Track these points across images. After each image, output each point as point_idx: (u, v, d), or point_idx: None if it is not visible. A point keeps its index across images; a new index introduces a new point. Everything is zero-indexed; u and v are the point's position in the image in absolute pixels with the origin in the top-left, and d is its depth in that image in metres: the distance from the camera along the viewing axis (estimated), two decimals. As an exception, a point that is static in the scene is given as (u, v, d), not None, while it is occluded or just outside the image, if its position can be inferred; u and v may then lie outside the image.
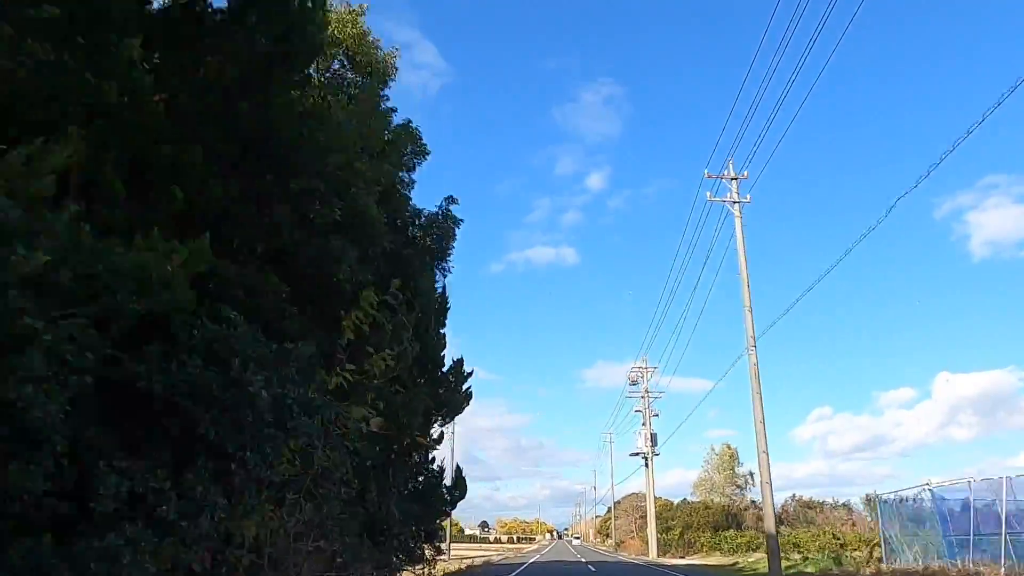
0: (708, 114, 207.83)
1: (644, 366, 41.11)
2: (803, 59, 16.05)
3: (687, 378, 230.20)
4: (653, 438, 39.27)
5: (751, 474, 55.26)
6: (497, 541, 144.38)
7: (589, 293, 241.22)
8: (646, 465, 40.30)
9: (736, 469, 54.65)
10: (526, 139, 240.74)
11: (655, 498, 47.22)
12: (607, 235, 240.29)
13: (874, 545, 23.26)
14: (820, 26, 14.95)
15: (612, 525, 68.92)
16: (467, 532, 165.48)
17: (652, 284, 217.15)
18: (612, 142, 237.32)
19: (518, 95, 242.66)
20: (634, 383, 41.82)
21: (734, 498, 53.59)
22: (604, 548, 71.17)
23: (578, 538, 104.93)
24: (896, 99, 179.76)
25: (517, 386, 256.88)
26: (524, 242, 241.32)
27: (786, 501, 56.39)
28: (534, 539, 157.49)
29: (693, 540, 43.23)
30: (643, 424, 40.28)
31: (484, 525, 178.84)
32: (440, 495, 14.32)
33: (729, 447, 54.80)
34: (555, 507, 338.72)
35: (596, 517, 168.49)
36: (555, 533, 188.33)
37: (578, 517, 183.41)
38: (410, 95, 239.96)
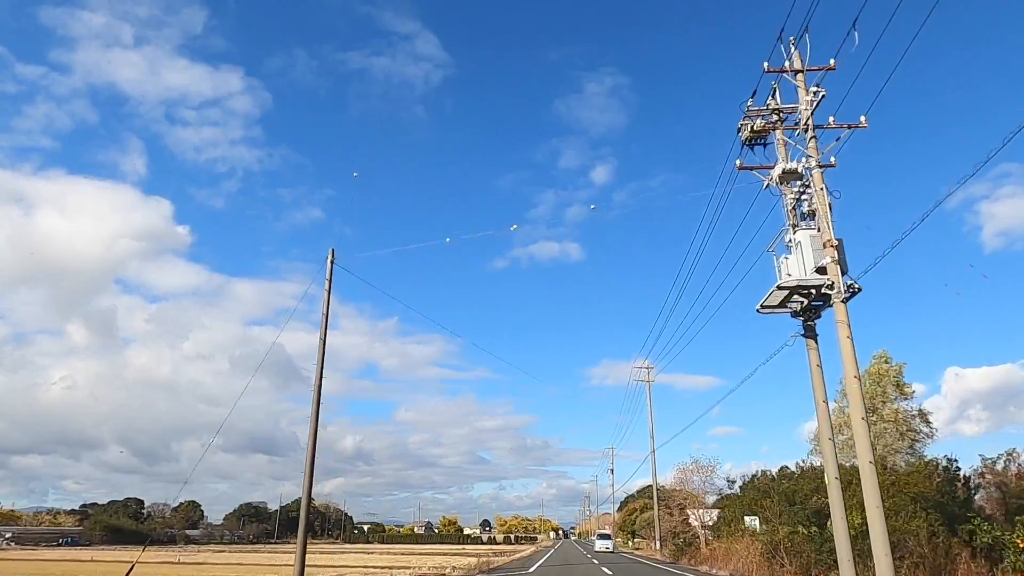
0: (716, 103, 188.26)
1: (799, 69, 14.23)
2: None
3: (691, 375, 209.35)
4: (839, 253, 12.50)
5: (923, 415, 28.11)
6: (491, 541, 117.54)
7: (594, 290, 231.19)
8: (807, 333, 13.55)
9: (900, 402, 27.51)
10: (529, 132, 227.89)
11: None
12: (612, 230, 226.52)
13: None
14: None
15: (656, 517, 41.19)
16: (467, 532, 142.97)
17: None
18: (617, 134, 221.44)
19: (521, 87, 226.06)
20: (758, 135, 15.01)
21: (902, 453, 26.52)
22: (643, 554, 42.35)
23: (607, 537, 57.59)
24: (923, 93, 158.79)
25: (522, 385, 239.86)
26: (528, 237, 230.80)
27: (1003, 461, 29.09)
28: (536, 539, 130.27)
29: (898, 542, 16.15)
30: (797, 218, 13.41)
31: (485, 524, 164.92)
32: None
33: (887, 358, 27.69)
34: (561, 506, 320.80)
35: (605, 513, 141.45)
36: (561, 532, 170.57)
37: (586, 514, 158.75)
38: (412, 87, 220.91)
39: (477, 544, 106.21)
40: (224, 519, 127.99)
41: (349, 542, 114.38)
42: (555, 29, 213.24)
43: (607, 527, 73.87)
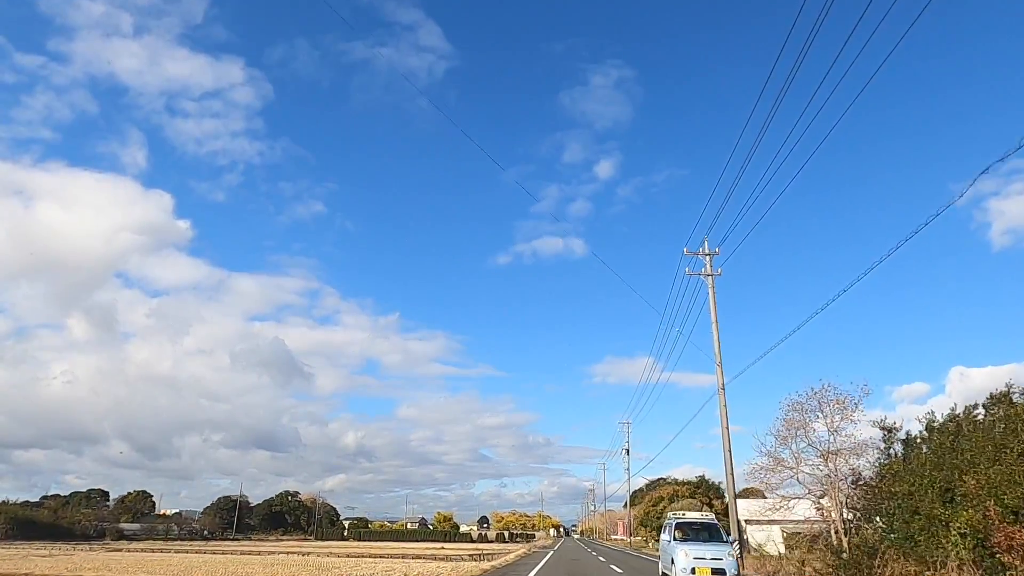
0: (722, 97, 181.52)
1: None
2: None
3: (695, 373, 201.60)
4: None
5: None
6: (482, 539, 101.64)
7: (598, 286, 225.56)
8: None
9: None
10: (533, 125, 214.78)
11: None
12: (615, 225, 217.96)
13: None
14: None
15: (732, 508, 22.77)
16: (464, 529, 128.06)
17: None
18: (622, 127, 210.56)
19: (525, 78, 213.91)
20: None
21: None
22: None
23: (715, 537, 17.13)
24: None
25: (524, 383, 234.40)
26: (531, 233, 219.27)
27: None
28: (533, 536, 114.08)
29: None
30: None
31: (483, 520, 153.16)
32: None
33: None
34: (563, 504, 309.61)
35: (610, 510, 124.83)
36: (562, 530, 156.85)
37: (590, 510, 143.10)
38: (415, 79, 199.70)
39: (464, 542, 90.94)
40: (202, 512, 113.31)
41: (322, 539, 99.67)
42: (560, 20, 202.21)
43: (602, 527, 55.51)
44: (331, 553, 45.83)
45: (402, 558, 39.43)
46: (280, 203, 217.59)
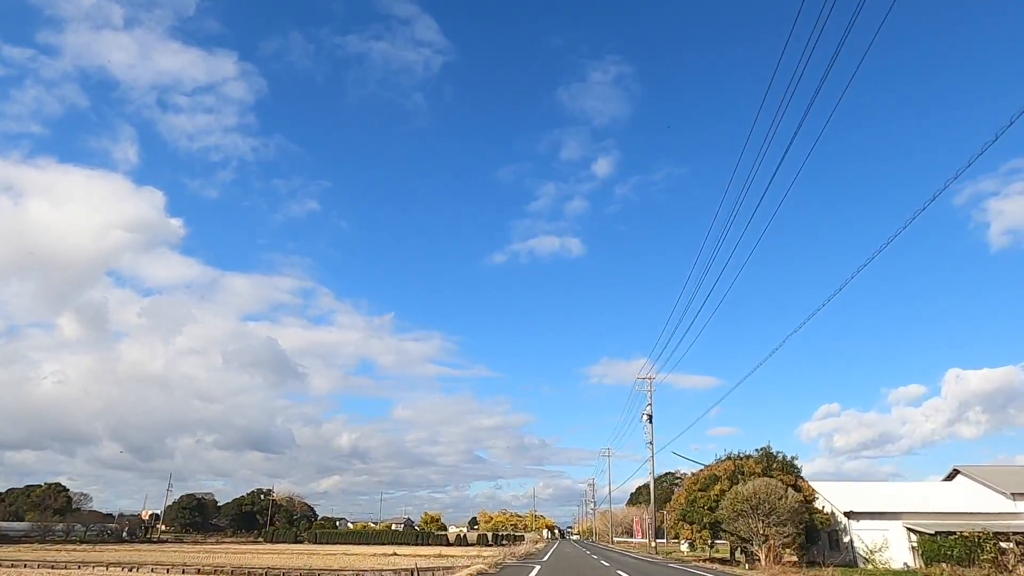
0: (722, 95, 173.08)
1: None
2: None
3: (691, 375, 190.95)
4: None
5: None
6: (461, 541, 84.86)
7: (595, 287, 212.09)
8: None
9: None
10: (530, 121, 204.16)
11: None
12: (613, 224, 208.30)
13: None
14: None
15: None
16: (453, 530, 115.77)
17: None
18: (620, 125, 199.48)
19: (523, 74, 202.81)
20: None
21: None
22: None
23: None
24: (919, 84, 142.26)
25: (520, 384, 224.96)
26: (528, 231, 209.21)
27: None
28: (522, 538, 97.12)
29: None
30: None
31: (473, 522, 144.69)
32: None
33: None
34: (558, 506, 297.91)
35: (608, 510, 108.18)
36: (557, 531, 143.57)
37: (589, 508, 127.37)
38: (411, 74, 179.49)
39: (437, 545, 74.73)
40: (164, 511, 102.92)
41: (272, 541, 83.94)
42: (559, 14, 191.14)
43: (604, 528, 36.28)
44: (184, 564, 28.79)
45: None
46: (274, 201, 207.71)
